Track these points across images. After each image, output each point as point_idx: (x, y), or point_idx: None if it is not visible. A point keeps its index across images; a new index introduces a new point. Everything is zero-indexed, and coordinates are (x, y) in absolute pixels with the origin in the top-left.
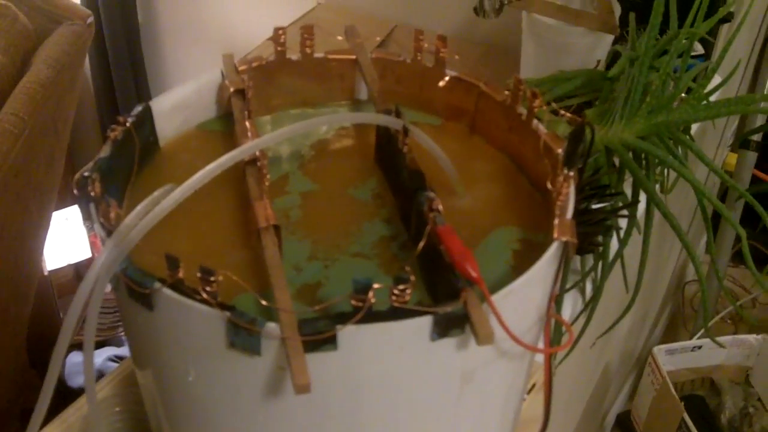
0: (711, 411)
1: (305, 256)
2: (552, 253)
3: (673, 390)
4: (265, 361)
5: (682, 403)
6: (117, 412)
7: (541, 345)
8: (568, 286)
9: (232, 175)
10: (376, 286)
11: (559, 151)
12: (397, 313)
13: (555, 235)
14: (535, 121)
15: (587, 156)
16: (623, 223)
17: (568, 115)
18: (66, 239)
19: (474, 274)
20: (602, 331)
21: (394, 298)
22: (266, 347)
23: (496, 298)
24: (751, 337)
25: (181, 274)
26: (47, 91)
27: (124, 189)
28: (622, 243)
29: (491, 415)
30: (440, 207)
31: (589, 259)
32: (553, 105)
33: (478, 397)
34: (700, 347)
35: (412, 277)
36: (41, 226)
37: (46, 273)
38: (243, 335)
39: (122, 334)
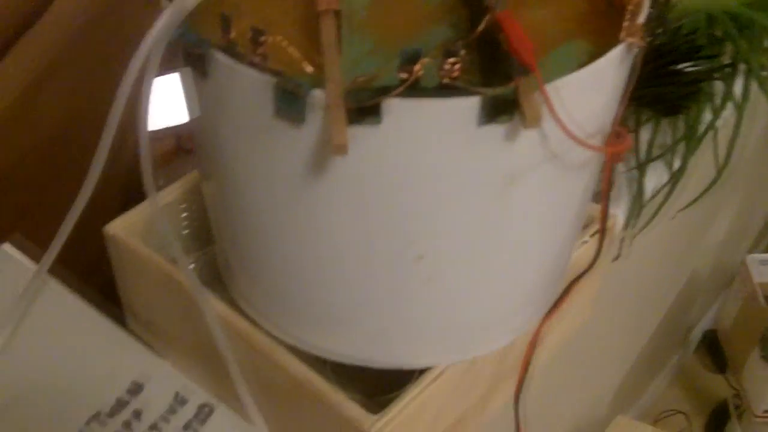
0: None
1: (366, 52)
2: (616, 54)
3: (761, 298)
4: (309, 131)
5: None
6: (183, 217)
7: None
8: (655, 155)
9: None
10: (424, 60)
11: None
12: (444, 91)
13: (621, 36)
14: None
15: None
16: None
17: None
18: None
19: (529, 59)
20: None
21: (442, 72)
22: (311, 117)
23: (550, 87)
24: None
25: (233, 35)
26: None
27: None
28: (715, 115)
29: (536, 233)
30: None
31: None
32: None
33: (524, 205)
34: None
35: (463, 51)
36: None
37: None
38: (289, 100)
39: None
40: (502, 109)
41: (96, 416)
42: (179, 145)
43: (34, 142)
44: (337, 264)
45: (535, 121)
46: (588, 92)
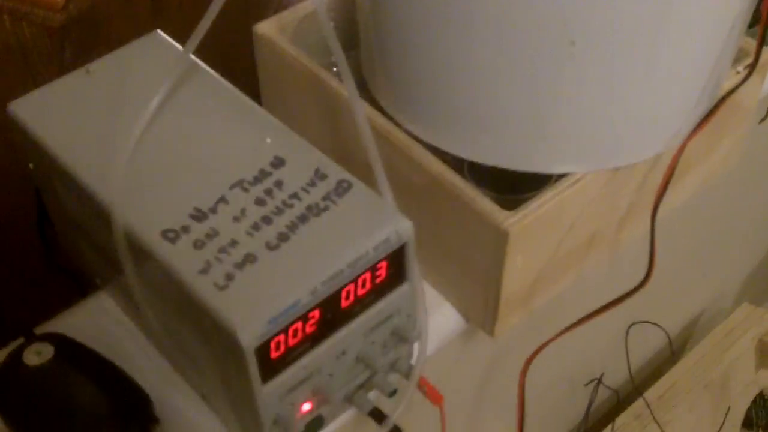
0: None
1: None
2: None
3: None
4: None
5: None
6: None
7: None
8: None
9: None
10: None
11: None
12: None
13: None
14: None
15: None
16: None
17: None
18: None
19: None
20: None
21: None
22: None
23: None
24: None
25: None
26: None
27: None
28: None
29: (691, 37)
30: None
31: None
32: None
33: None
34: None
35: None
36: None
37: None
38: None
39: None
40: None
41: (239, 183)
42: None
43: None
44: (487, 51)
45: None
46: None
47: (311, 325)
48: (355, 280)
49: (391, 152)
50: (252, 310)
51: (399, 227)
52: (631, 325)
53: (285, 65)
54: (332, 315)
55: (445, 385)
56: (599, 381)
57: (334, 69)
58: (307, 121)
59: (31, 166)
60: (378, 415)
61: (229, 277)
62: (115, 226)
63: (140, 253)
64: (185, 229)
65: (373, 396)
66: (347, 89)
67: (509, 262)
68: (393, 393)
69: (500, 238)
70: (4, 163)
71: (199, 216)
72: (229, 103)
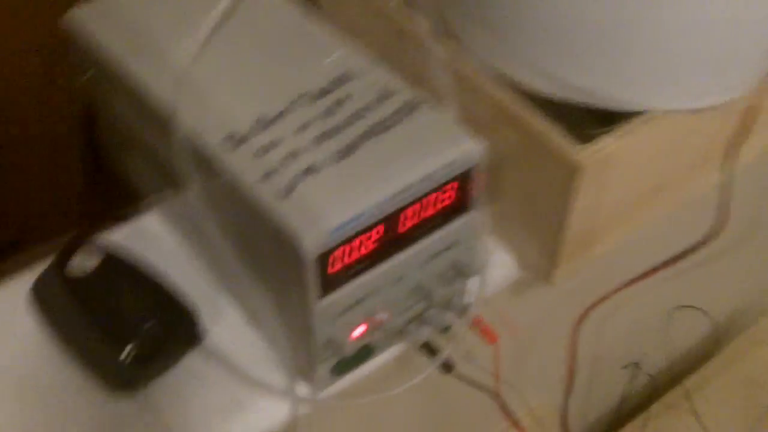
0: None
1: None
2: None
3: None
4: None
5: None
6: None
7: None
8: None
9: None
10: None
11: None
12: None
13: None
14: None
15: None
16: None
17: None
18: None
19: None
20: None
21: None
22: None
23: None
24: None
25: None
26: None
27: None
28: None
29: None
30: None
31: None
32: None
33: None
34: None
35: None
36: None
37: None
38: None
39: None
40: None
41: (304, 95)
42: None
43: None
44: None
45: None
46: None
47: (371, 243)
48: (420, 200)
49: (462, 84)
50: (314, 218)
51: (469, 148)
52: (676, 308)
53: None
54: (393, 236)
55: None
56: (637, 365)
57: None
58: (370, 36)
59: (86, 76)
60: (429, 350)
61: (291, 186)
62: (176, 132)
63: (200, 160)
64: (247, 136)
65: (426, 331)
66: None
67: (577, 198)
68: (446, 329)
69: (571, 172)
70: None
71: (262, 125)
72: (295, 16)
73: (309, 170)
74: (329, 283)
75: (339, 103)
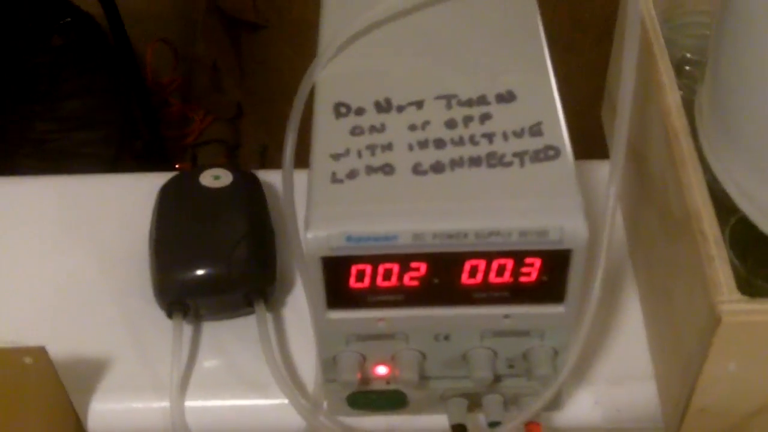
0: None
1: None
2: None
3: None
4: None
5: None
6: None
7: None
8: None
9: None
10: None
11: None
12: None
13: None
14: None
15: None
16: None
17: None
18: None
19: None
20: None
21: None
22: None
23: None
24: None
25: None
26: None
27: None
28: None
29: None
30: None
31: None
32: None
33: None
34: None
35: None
36: None
37: None
38: None
39: None
40: None
41: (448, 97)
42: None
43: None
44: None
45: None
46: None
47: (412, 279)
48: (484, 257)
49: (666, 161)
50: (338, 216)
51: (568, 227)
52: None
53: None
54: (447, 285)
55: None
56: None
57: None
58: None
59: None
60: None
61: (352, 175)
62: (306, 79)
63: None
64: (360, 111)
65: (465, 413)
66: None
67: (713, 360)
68: (494, 424)
69: (709, 322)
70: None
71: (381, 106)
72: (503, 12)
73: (381, 169)
74: (345, 297)
75: (481, 119)
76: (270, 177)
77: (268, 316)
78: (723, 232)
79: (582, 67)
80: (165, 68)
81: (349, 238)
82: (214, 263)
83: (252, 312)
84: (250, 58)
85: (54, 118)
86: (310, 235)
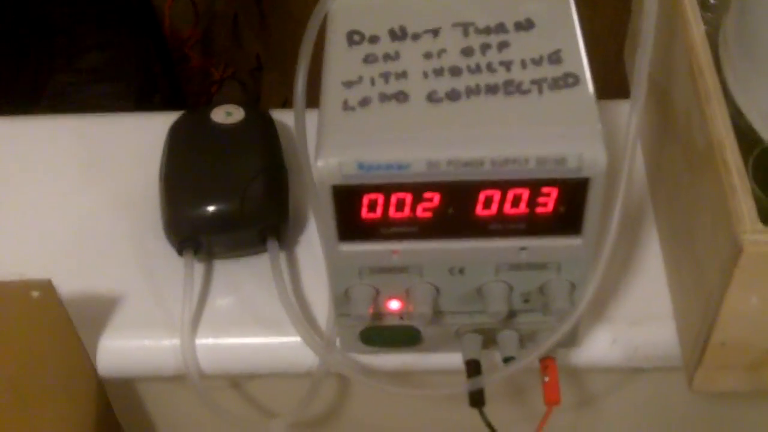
0: None
1: None
2: None
3: None
4: None
5: None
6: None
7: None
8: None
9: None
10: None
11: None
12: None
13: None
14: None
15: None
16: None
17: None
18: None
19: None
20: None
21: None
22: None
23: None
24: None
25: None
26: None
27: None
28: None
29: None
30: None
31: None
32: None
33: None
34: None
35: None
36: None
37: None
38: None
39: None
40: None
41: (465, 24)
42: None
43: None
44: None
45: None
46: None
47: (426, 210)
48: (499, 187)
49: (690, 95)
50: (349, 144)
51: (587, 154)
52: None
53: None
54: (461, 217)
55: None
56: None
57: None
58: None
59: None
60: (474, 369)
61: (364, 102)
62: (319, 7)
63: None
64: (374, 39)
65: (480, 348)
66: None
67: (734, 294)
68: (507, 360)
69: (732, 253)
70: None
71: (396, 34)
72: None
73: (395, 96)
74: (357, 229)
75: (499, 46)
76: (284, 117)
77: (281, 255)
78: (746, 165)
79: (606, 26)
80: (185, 23)
81: (360, 166)
82: (227, 199)
83: (264, 251)
84: (272, 11)
85: (73, 71)
86: (320, 163)
